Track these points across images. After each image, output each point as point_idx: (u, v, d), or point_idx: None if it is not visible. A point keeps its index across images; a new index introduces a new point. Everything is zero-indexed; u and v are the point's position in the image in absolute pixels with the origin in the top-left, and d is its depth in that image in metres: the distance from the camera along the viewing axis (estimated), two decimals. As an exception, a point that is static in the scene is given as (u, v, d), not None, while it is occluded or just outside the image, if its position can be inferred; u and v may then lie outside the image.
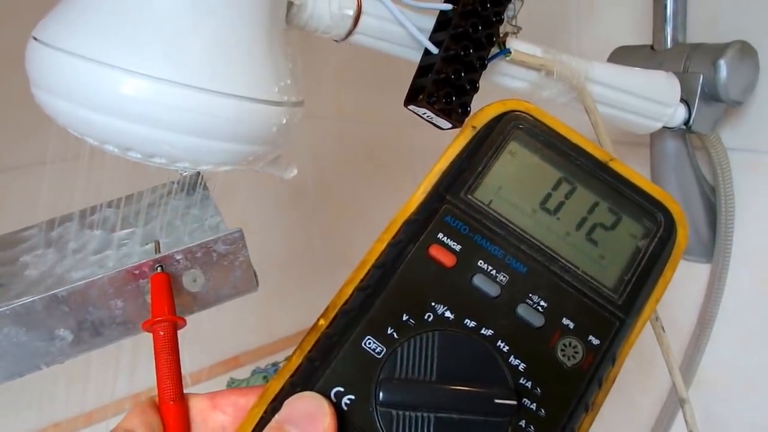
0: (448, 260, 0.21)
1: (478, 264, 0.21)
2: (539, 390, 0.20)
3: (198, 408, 0.23)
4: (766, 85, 0.45)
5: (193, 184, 0.35)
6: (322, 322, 0.21)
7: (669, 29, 0.47)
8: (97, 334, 0.28)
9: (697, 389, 0.52)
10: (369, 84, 0.79)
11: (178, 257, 0.29)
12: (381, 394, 0.19)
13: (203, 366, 0.86)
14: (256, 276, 0.31)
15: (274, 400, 0.20)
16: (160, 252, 0.29)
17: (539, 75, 0.38)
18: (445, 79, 0.32)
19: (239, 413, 0.22)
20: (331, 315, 0.21)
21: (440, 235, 0.22)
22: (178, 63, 0.25)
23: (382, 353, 0.20)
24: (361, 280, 0.21)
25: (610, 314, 0.21)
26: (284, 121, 0.28)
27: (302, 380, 0.20)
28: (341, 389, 0.20)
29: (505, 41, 0.35)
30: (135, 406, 0.23)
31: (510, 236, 0.22)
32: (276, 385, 0.20)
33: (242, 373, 0.90)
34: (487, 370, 0.20)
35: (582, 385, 0.21)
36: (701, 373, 0.52)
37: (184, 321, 0.26)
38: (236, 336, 0.90)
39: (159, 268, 0.28)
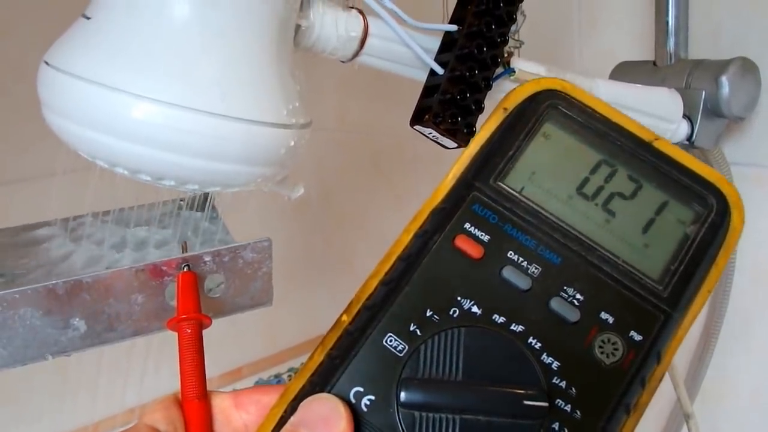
0: (475, 252, 0.20)
1: (508, 255, 0.20)
2: (574, 390, 0.19)
3: (221, 406, 0.23)
4: (767, 100, 0.45)
5: (202, 203, 0.35)
6: (344, 317, 0.20)
7: (671, 45, 0.47)
8: (110, 329, 0.28)
9: (702, 404, 0.53)
10: (371, 94, 0.80)
11: (207, 258, 0.28)
12: (402, 395, 0.18)
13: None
14: (272, 290, 0.31)
15: (294, 399, 0.19)
16: (187, 252, 0.29)
17: (543, 93, 0.38)
18: (450, 100, 0.32)
19: (262, 412, 0.21)
20: (354, 310, 0.20)
21: (467, 225, 0.20)
22: (188, 87, 0.26)
23: (404, 351, 0.19)
24: (386, 274, 0.20)
25: (654, 308, 0.20)
26: (292, 143, 0.28)
27: (322, 379, 0.19)
28: (360, 389, 0.19)
29: (509, 61, 0.36)
30: (157, 402, 0.22)
31: (543, 225, 0.21)
32: (297, 384, 0.19)
33: (245, 384, 0.90)
34: (518, 369, 0.19)
35: (622, 385, 0.19)
36: (706, 388, 0.52)
37: (210, 320, 0.26)
38: (238, 347, 0.90)
39: (186, 268, 0.28)
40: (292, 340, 0.95)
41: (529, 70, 0.37)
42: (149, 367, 0.78)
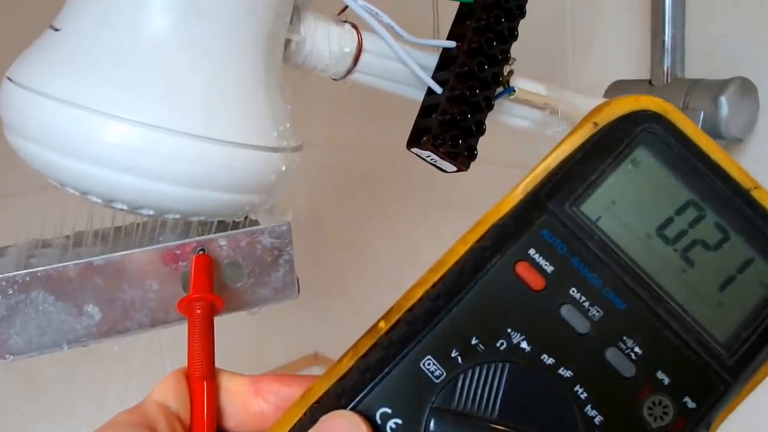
0: (536, 282, 0.18)
1: (570, 292, 0.18)
2: None
3: (239, 391, 0.22)
4: (766, 121, 0.44)
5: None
6: (382, 324, 0.19)
7: (667, 64, 0.46)
8: (126, 317, 0.27)
9: None
10: (363, 111, 0.78)
11: (222, 243, 0.27)
12: (432, 424, 0.17)
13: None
14: (297, 281, 0.30)
15: (317, 402, 0.18)
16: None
17: (543, 113, 0.37)
18: (450, 121, 0.30)
19: (280, 403, 0.21)
20: (393, 319, 0.18)
21: (532, 251, 0.19)
22: (168, 107, 0.23)
23: (441, 378, 0.18)
24: (433, 285, 0.19)
25: (715, 375, 0.18)
26: (284, 168, 0.26)
27: (349, 390, 0.18)
28: (388, 411, 0.17)
29: (509, 80, 0.34)
30: (167, 377, 0.21)
31: (613, 263, 0.19)
32: (321, 387, 0.18)
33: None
34: (557, 418, 0.17)
35: None
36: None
37: (222, 302, 0.25)
38: (226, 367, 0.87)
39: (201, 251, 0.27)
40: (280, 360, 0.92)
41: (529, 89, 0.35)
42: (130, 390, 0.75)
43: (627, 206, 0.19)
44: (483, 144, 0.32)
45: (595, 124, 0.20)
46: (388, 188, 0.78)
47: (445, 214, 0.69)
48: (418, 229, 0.74)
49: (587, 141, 0.20)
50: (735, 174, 0.20)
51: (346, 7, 0.29)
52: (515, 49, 0.35)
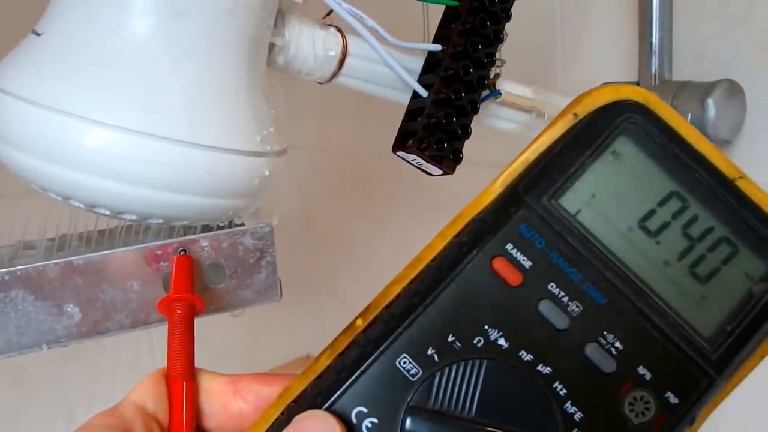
0: (513, 278, 0.18)
1: (549, 287, 0.18)
2: None
3: (218, 391, 0.22)
4: (752, 123, 0.45)
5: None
6: (359, 322, 0.18)
7: (655, 66, 0.46)
8: (106, 318, 0.27)
9: None
10: (353, 113, 0.78)
11: (204, 243, 0.27)
12: (408, 423, 0.17)
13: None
14: (280, 284, 0.30)
15: (294, 401, 0.18)
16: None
17: (530, 116, 0.37)
18: (436, 124, 0.30)
19: (260, 403, 0.21)
20: (371, 316, 0.18)
21: (509, 246, 0.18)
22: (150, 111, 0.23)
23: (417, 376, 0.17)
24: (410, 282, 0.18)
25: (699, 370, 0.18)
26: (267, 172, 0.26)
27: (325, 389, 0.18)
28: (364, 410, 0.17)
29: (495, 83, 0.34)
30: (146, 377, 0.21)
31: (594, 258, 0.18)
32: (298, 387, 0.18)
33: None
34: (536, 415, 0.17)
35: None
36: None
37: (203, 304, 0.25)
38: (218, 368, 0.87)
39: (182, 252, 0.27)
40: (272, 362, 0.92)
41: (515, 92, 0.35)
42: (118, 393, 0.74)
43: (607, 199, 0.19)
44: (475, 146, 0.32)
45: (575, 114, 0.19)
46: (380, 189, 0.78)
47: (437, 216, 0.68)
48: (409, 230, 0.74)
49: (567, 132, 0.19)
50: (719, 164, 0.19)
51: (331, 10, 0.29)
52: (504, 51, 0.35)
